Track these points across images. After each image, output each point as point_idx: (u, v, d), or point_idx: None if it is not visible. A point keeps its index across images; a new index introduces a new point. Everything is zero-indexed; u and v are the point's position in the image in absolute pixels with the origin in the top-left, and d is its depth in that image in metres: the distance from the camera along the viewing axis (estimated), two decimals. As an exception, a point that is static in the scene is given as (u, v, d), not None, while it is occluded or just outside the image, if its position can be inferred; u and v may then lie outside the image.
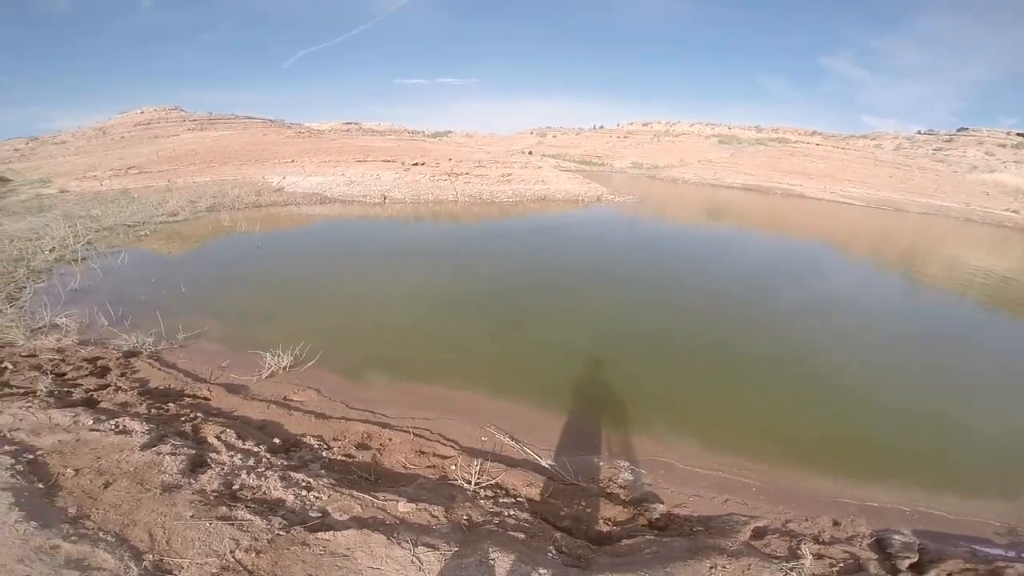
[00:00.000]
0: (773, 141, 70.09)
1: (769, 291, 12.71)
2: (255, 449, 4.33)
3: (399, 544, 3.30)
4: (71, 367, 6.12)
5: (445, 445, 5.08)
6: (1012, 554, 4.51)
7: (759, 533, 4.28)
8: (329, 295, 10.27)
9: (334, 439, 4.94)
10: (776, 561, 3.72)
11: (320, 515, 3.54)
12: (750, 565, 3.56)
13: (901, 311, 12.52)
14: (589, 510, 4.36)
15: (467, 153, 32.81)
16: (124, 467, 3.75)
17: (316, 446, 4.72)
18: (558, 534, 3.87)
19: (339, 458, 4.59)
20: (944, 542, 4.49)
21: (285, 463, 4.19)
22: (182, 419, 4.89)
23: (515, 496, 4.36)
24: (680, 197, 36.42)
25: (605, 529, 4.19)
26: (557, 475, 4.83)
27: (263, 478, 3.83)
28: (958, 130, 73.25)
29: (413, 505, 3.78)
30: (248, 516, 3.31)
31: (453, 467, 4.65)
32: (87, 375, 5.96)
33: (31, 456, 3.78)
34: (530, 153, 50.39)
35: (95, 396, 5.32)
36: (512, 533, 3.67)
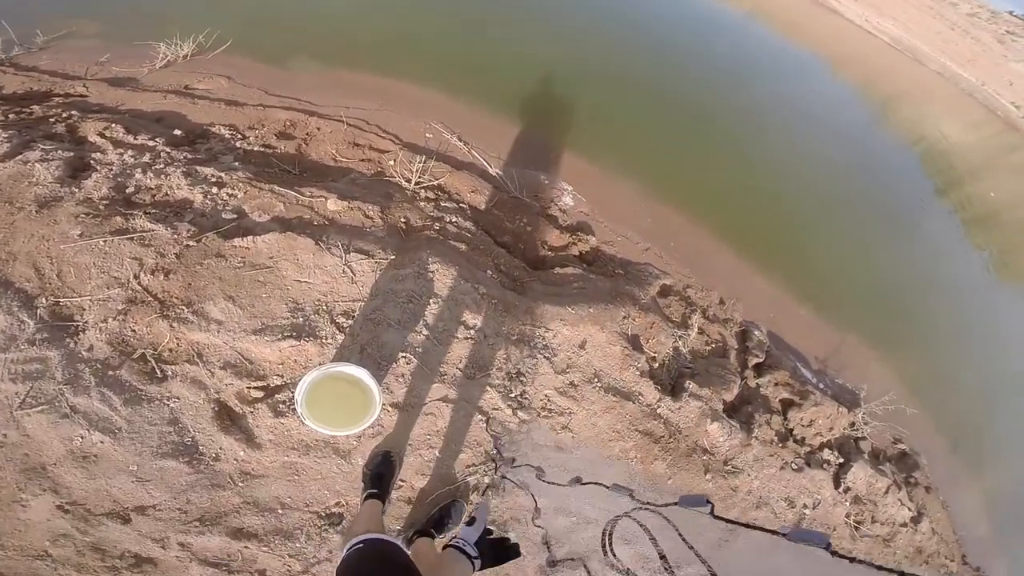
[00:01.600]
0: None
1: (740, 75, 11.14)
2: (151, 143, 3.47)
3: (328, 251, 2.87)
4: None
5: (383, 138, 4.35)
6: (816, 382, 4.80)
7: (664, 291, 4.36)
8: None
9: (250, 128, 4.05)
10: (671, 325, 3.83)
11: (235, 216, 2.98)
12: (653, 323, 3.63)
13: (851, 140, 11.29)
14: (529, 228, 4.16)
15: None
16: None
17: (228, 136, 3.87)
18: (499, 250, 3.67)
19: (256, 149, 3.81)
20: (783, 351, 4.76)
21: (189, 156, 3.36)
22: (52, 120, 3.82)
23: (458, 201, 3.98)
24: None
25: (541, 253, 4.07)
26: (502, 186, 4.50)
27: (163, 176, 3.07)
28: None
29: (345, 203, 3.27)
30: (149, 225, 2.69)
31: (391, 163, 4.06)
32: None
33: None
34: None
35: None
36: (453, 243, 3.38)
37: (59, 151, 3.23)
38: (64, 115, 3.85)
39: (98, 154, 3.26)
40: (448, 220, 3.59)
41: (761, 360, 4.56)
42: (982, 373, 6.20)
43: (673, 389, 3.54)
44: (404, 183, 3.83)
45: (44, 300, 2.43)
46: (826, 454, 4.26)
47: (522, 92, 6.18)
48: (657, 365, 3.55)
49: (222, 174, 3.13)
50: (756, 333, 4.84)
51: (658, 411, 3.17)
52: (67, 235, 2.66)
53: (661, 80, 8.62)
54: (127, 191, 2.98)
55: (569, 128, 6.00)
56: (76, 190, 2.94)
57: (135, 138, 3.48)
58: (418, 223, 3.43)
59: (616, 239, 4.80)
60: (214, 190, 3.02)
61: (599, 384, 3.05)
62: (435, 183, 3.98)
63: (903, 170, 12.26)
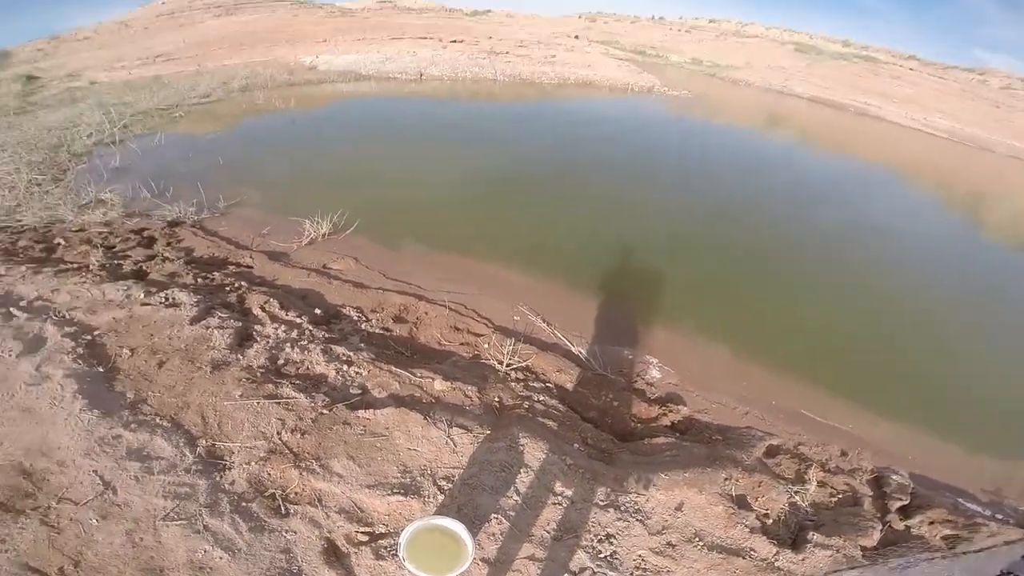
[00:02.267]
0: (859, 58, 61.33)
1: (817, 208, 11.74)
2: (298, 320, 4.42)
3: (435, 424, 3.39)
4: (119, 239, 6.26)
5: (479, 322, 5.13)
6: (989, 513, 4.42)
7: (772, 451, 4.28)
8: (365, 167, 10.18)
9: (372, 311, 5.01)
10: (784, 482, 3.75)
11: (360, 391, 3.64)
12: (761, 482, 3.61)
13: (955, 255, 11.26)
14: (616, 404, 4.36)
15: (508, 32, 30.32)
16: (176, 344, 3.88)
17: (356, 318, 4.81)
18: (586, 425, 3.90)
19: (377, 331, 4.67)
20: (935, 490, 4.44)
21: (327, 335, 4.27)
22: (227, 288, 4.99)
23: (545, 381, 4.40)
24: (739, 99, 33.19)
25: (630, 425, 4.21)
26: (586, 364, 4.82)
27: (306, 351, 3.91)
28: None
29: (448, 384, 3.84)
30: (293, 393, 3.41)
31: (486, 346, 4.70)
32: (135, 246, 6.10)
33: (89, 337, 3.92)
34: (576, 37, 45.97)
35: (144, 268, 5.46)
36: (542, 420, 3.72)
37: (231, 320, 4.24)
38: (236, 285, 5.02)
39: (259, 326, 4.24)
40: (536, 399, 3.99)
41: (906, 502, 4.17)
42: None
43: (794, 542, 3.32)
44: (497, 365, 4.38)
45: (204, 441, 3.07)
46: None
47: (598, 270, 6.77)
48: (771, 521, 3.40)
49: (351, 354, 3.97)
50: (895, 477, 4.43)
51: (776, 564, 3.05)
52: (230, 394, 3.41)
53: (729, 231, 8.93)
54: (279, 362, 3.84)
55: (646, 300, 6.33)
56: (241, 357, 3.82)
57: (287, 314, 4.49)
58: (510, 402, 3.89)
59: (710, 406, 4.73)
60: (345, 367, 3.83)
61: (701, 543, 3.03)
62: (524, 364, 4.47)
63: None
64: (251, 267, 5.73)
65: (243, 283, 5.11)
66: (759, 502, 3.49)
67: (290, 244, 6.39)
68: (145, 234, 6.52)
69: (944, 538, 3.80)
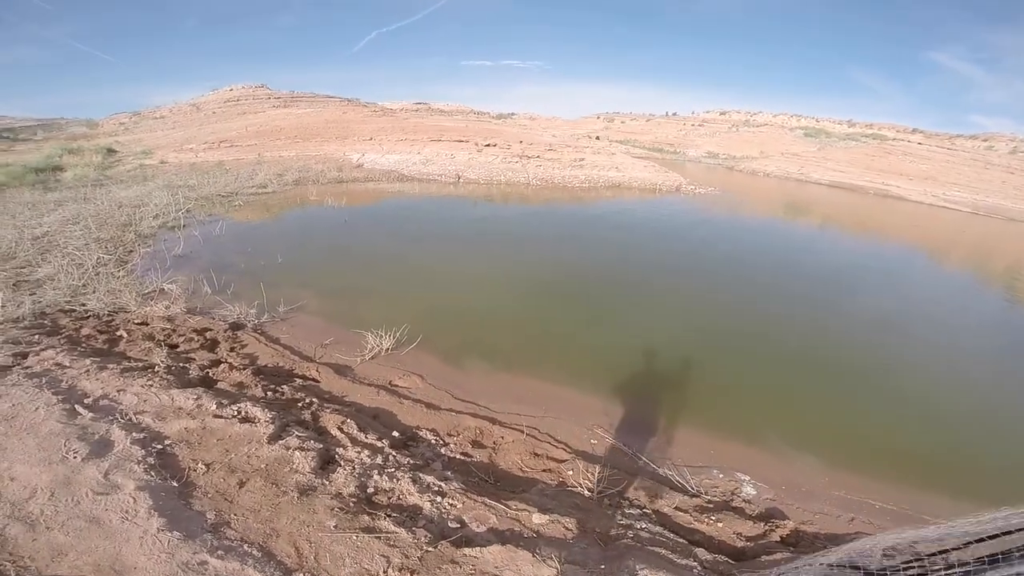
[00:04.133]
0: (867, 137, 64.30)
1: (877, 301, 11.57)
2: (379, 444, 4.19)
3: (545, 562, 3.07)
4: (182, 338, 6.29)
5: (556, 447, 4.83)
6: None
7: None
8: (420, 274, 10.23)
9: (448, 434, 4.77)
10: None
11: (458, 526, 3.34)
12: None
13: (1011, 334, 11.04)
14: (720, 524, 4.08)
15: (537, 136, 32.33)
16: (255, 463, 3.67)
17: (433, 441, 4.57)
18: (697, 549, 3.61)
19: (457, 456, 4.41)
20: None
21: (411, 462, 4.03)
22: (299, 405, 4.84)
23: (640, 507, 4.10)
24: (764, 190, 34.10)
25: (739, 544, 3.94)
26: (678, 485, 4.59)
27: (395, 480, 3.64)
28: None
29: (546, 517, 3.54)
30: (392, 528, 3.12)
31: (570, 472, 4.41)
32: (198, 348, 6.10)
33: (160, 446, 3.76)
34: (597, 138, 49.05)
35: (210, 374, 5.40)
36: (651, 548, 3.40)
37: (311, 440, 4.02)
38: (307, 401, 4.87)
39: (341, 449, 4.01)
40: (638, 527, 3.68)
41: None
42: None
43: None
44: (587, 492, 4.11)
45: (301, 575, 2.78)
46: None
47: (668, 384, 6.56)
48: None
49: (442, 483, 3.66)
50: None
51: None
52: (324, 524, 3.10)
53: (793, 335, 8.77)
54: (368, 491, 3.54)
55: (723, 414, 6.04)
56: (327, 482, 3.55)
57: (366, 436, 4.27)
58: (612, 532, 3.58)
59: (813, 517, 4.54)
60: (438, 499, 3.50)
61: None
62: (614, 490, 4.20)
63: None
64: (318, 381, 5.60)
65: (313, 399, 4.96)
66: None
67: (353, 358, 6.25)
68: (208, 335, 6.53)
69: None
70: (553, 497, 3.96)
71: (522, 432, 4.91)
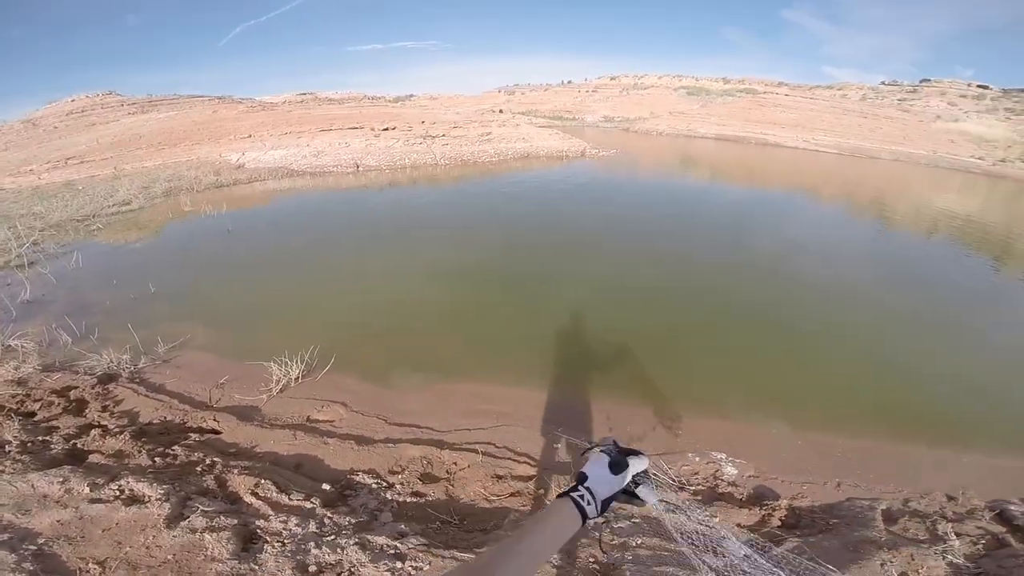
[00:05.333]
0: (741, 92, 70.06)
1: (791, 248, 12.41)
2: (308, 505, 3.46)
3: None
4: (39, 404, 5.03)
5: (519, 462, 4.34)
6: None
7: (889, 517, 4.08)
8: (324, 281, 9.10)
9: (391, 472, 4.10)
10: (925, 545, 3.56)
11: None
12: (912, 555, 3.39)
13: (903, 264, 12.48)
14: (716, 518, 3.81)
15: (440, 115, 31.16)
16: (159, 555, 2.88)
17: (375, 486, 3.87)
18: (705, 556, 3.28)
19: (408, 499, 3.77)
20: None
21: (353, 521, 3.35)
22: (199, 469, 3.94)
23: (628, 516, 3.76)
24: (659, 149, 35.84)
25: (743, 540, 3.66)
26: (660, 480, 4.25)
27: (339, 549, 3.00)
28: (921, 81, 75.97)
29: None
30: None
31: (541, 491, 3.97)
32: (61, 413, 4.89)
33: (34, 547, 2.88)
34: (501, 111, 48.59)
35: (80, 444, 4.29)
36: (656, 569, 3.08)
37: (222, 516, 3.23)
38: (208, 462, 3.96)
39: (262, 521, 3.26)
40: (635, 544, 3.34)
41: None
42: None
43: None
44: None
45: None
46: None
47: (621, 368, 6.18)
48: None
49: (397, 543, 3.04)
50: (1013, 507, 4.38)
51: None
52: None
53: (724, 298, 8.65)
54: (311, 570, 2.93)
55: (684, 390, 5.79)
56: (255, 567, 2.88)
57: (290, 498, 3.52)
58: (605, 559, 3.21)
59: (802, 489, 4.44)
60: (398, 565, 2.91)
61: None
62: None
63: (947, 261, 12.69)
64: (218, 432, 4.65)
65: (215, 458, 4.06)
66: (923, 573, 3.30)
67: (258, 395, 5.28)
68: (72, 395, 5.29)
69: None
70: (531, 529, 3.50)
71: (477, 453, 4.36)
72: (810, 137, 50.19)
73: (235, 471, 3.86)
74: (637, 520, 3.70)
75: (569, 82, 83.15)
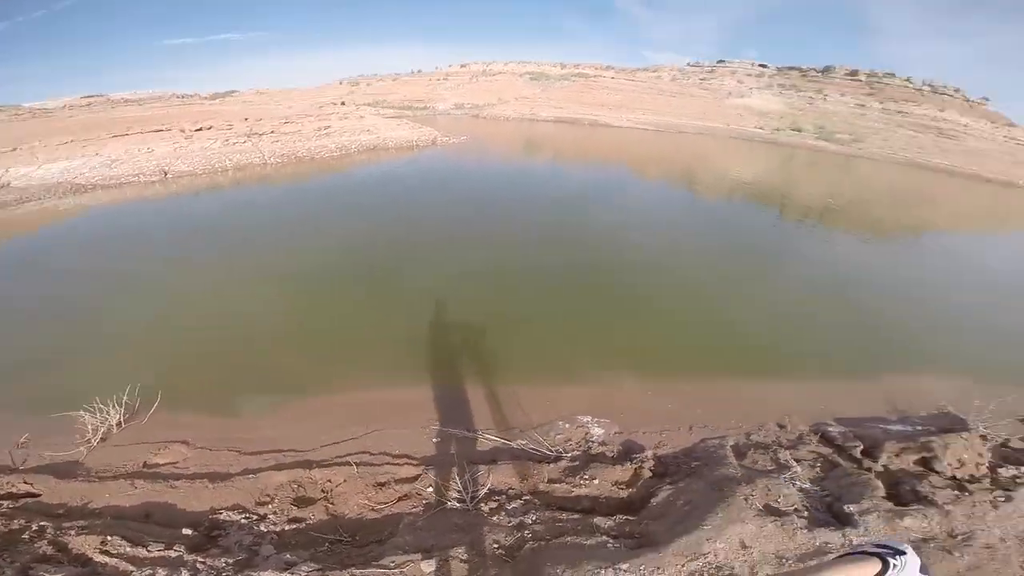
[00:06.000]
0: (575, 76, 75.35)
1: (622, 215, 13.90)
2: (173, 554, 3.20)
3: None
4: None
5: (399, 465, 4.34)
6: (927, 427, 5.59)
7: (739, 452, 4.64)
8: (132, 309, 7.68)
9: (259, 503, 3.90)
10: (774, 475, 4.07)
11: None
12: (767, 486, 3.82)
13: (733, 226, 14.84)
14: (595, 481, 4.17)
15: (268, 110, 28.42)
16: None
17: (244, 521, 3.69)
18: (596, 519, 3.60)
19: (287, 527, 3.64)
20: (858, 426, 5.36)
21: (230, 560, 3.17)
22: (26, 537, 3.39)
23: (518, 495, 3.97)
24: (506, 133, 37.31)
25: (624, 495, 4.07)
26: (538, 454, 4.54)
27: None
28: (718, 62, 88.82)
29: (435, 560, 3.10)
30: None
31: (429, 488, 4.01)
32: None
33: None
34: (343, 103, 45.90)
35: None
36: (555, 541, 3.29)
37: None
38: (35, 528, 3.45)
39: None
40: (530, 522, 3.48)
41: (861, 446, 4.82)
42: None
43: (840, 520, 3.63)
44: (458, 504, 3.73)
45: None
46: (1006, 471, 4.57)
47: (478, 348, 6.40)
48: (807, 514, 3.60)
49: (288, 574, 2.96)
50: (831, 430, 5.13)
51: (855, 542, 3.21)
52: None
53: (566, 269, 9.48)
54: None
55: (540, 361, 6.18)
56: None
57: (148, 550, 3.20)
58: (508, 540, 3.31)
59: (662, 438, 4.86)
60: None
61: (787, 562, 3.08)
62: (486, 489, 3.86)
63: (759, 222, 15.68)
64: (37, 495, 3.99)
65: (44, 522, 3.51)
66: (782, 502, 3.71)
67: (75, 449, 4.58)
68: None
69: (917, 462, 4.69)
70: (428, 528, 3.54)
71: (351, 465, 4.24)
72: (633, 116, 56.24)
73: (72, 532, 3.42)
74: (528, 497, 3.94)
75: (419, 71, 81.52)
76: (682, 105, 62.84)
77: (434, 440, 4.74)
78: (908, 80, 72.39)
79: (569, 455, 4.53)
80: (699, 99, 67.18)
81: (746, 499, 3.59)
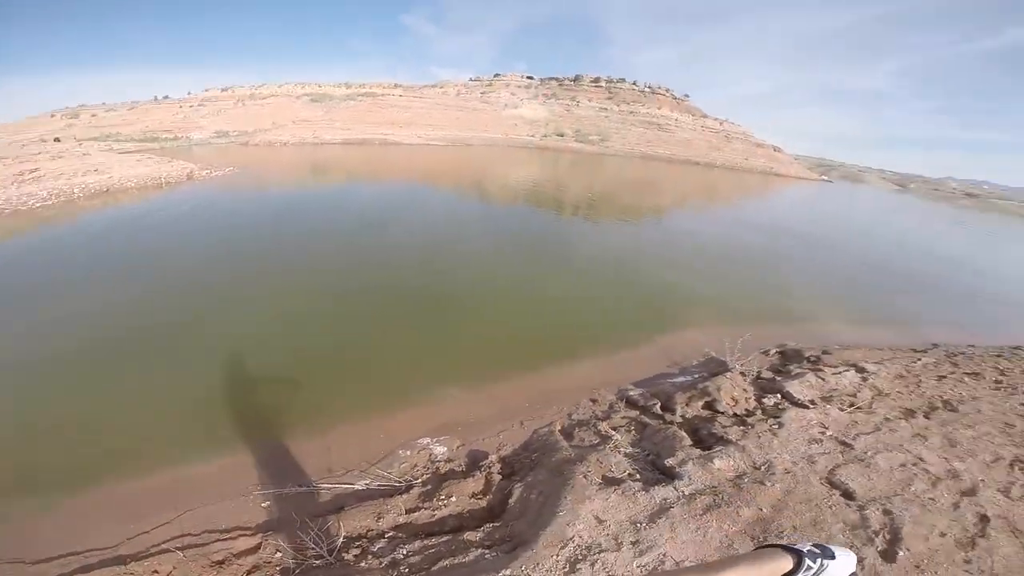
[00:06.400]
0: (362, 96, 74.17)
1: (425, 230, 14.37)
2: None
3: None
4: None
5: (231, 538, 3.90)
6: (689, 377, 6.72)
7: (566, 434, 5.03)
8: None
9: None
10: (600, 447, 4.48)
11: None
12: (598, 459, 4.19)
13: (516, 228, 16.54)
14: (453, 499, 4.14)
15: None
16: None
17: None
18: (467, 535, 3.61)
19: None
20: (651, 385, 6.34)
21: None
22: None
23: (382, 535, 3.82)
24: (285, 161, 34.66)
25: (484, 504, 4.11)
26: (387, 488, 4.37)
27: None
28: (495, 76, 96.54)
29: None
30: None
31: (278, 554, 3.67)
32: None
33: None
34: (57, 140, 37.25)
35: None
36: (435, 568, 3.27)
37: None
38: None
39: None
40: (400, 555, 3.40)
41: (659, 403, 5.52)
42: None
43: (666, 474, 4.02)
44: (316, 562, 3.49)
45: None
46: (768, 400, 5.50)
47: (295, 390, 6.01)
48: (639, 476, 3.98)
49: None
50: (632, 393, 5.85)
51: (687, 493, 3.71)
52: None
53: (365, 291, 9.35)
54: None
55: (360, 390, 6.02)
56: None
57: None
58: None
59: (500, 439, 5.05)
60: None
61: (641, 525, 3.37)
62: (341, 539, 3.65)
63: (539, 221, 17.89)
64: None
65: None
66: (615, 471, 4.09)
67: None
68: None
69: (703, 406, 5.59)
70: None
71: (174, 551, 3.71)
72: (423, 133, 58.49)
73: None
74: (391, 534, 3.84)
75: (165, 97, 70.01)
76: (467, 119, 67.59)
77: (264, 504, 4.28)
78: (635, 84, 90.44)
79: (419, 480, 4.47)
80: (481, 112, 72.90)
81: (585, 476, 3.86)
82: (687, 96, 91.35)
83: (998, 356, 8.99)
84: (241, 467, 4.79)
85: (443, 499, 4.14)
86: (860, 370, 6.99)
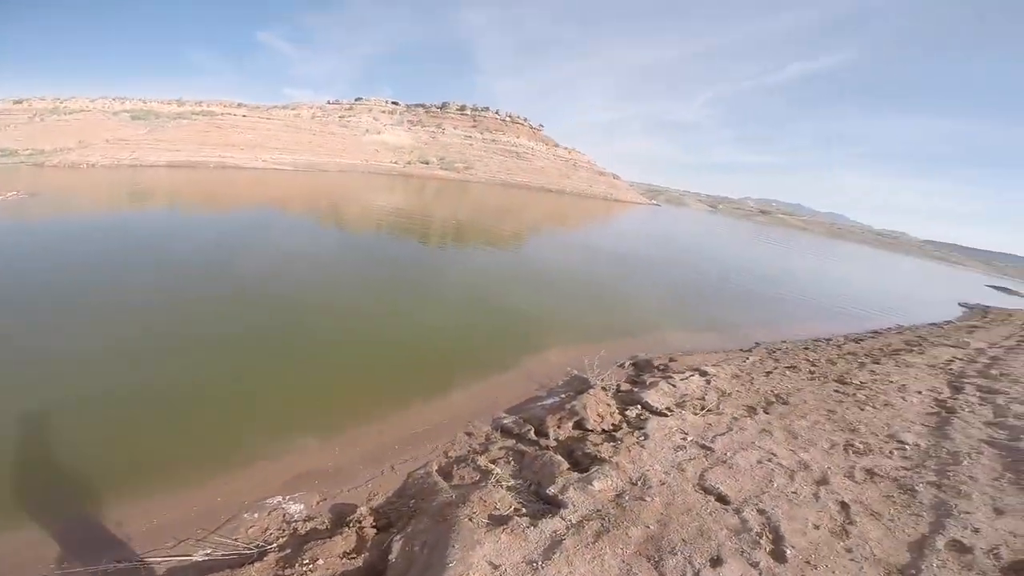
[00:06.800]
0: (197, 115, 66.31)
1: (269, 263, 12.71)
2: None
3: None
4: None
5: None
6: (556, 398, 6.74)
7: (445, 474, 4.72)
8: None
9: None
10: (483, 485, 4.26)
11: None
12: (482, 497, 3.96)
13: (374, 259, 15.49)
14: (320, 561, 3.55)
15: None
16: None
17: None
18: None
19: None
20: (523, 411, 6.31)
21: None
22: None
23: None
24: (94, 184, 29.05)
25: (359, 563, 3.59)
26: (235, 556, 3.71)
27: None
28: (356, 99, 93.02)
29: None
30: None
31: None
32: None
33: None
34: None
35: None
36: None
37: None
38: None
39: None
40: None
41: (532, 428, 5.50)
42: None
43: (551, 503, 3.94)
44: None
45: None
46: (631, 412, 5.56)
47: (117, 462, 4.77)
48: (524, 510, 3.86)
49: None
50: (505, 421, 5.72)
51: (575, 521, 3.62)
52: None
53: (230, 327, 7.96)
54: None
55: (207, 454, 5.00)
56: None
57: None
58: None
59: (370, 488, 4.58)
60: None
61: (537, 565, 3.21)
62: None
63: (403, 250, 17.09)
64: None
65: None
66: (500, 508, 3.88)
67: None
68: None
69: (573, 427, 5.67)
70: None
71: None
72: (270, 156, 53.71)
73: None
74: None
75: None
76: (322, 143, 63.88)
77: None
78: (497, 112, 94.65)
79: (274, 545, 3.83)
80: (339, 136, 69.75)
81: (471, 519, 3.65)
82: (542, 126, 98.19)
83: (806, 349, 10.38)
84: (41, 543, 3.85)
85: (307, 564, 3.52)
86: (703, 373, 7.50)
